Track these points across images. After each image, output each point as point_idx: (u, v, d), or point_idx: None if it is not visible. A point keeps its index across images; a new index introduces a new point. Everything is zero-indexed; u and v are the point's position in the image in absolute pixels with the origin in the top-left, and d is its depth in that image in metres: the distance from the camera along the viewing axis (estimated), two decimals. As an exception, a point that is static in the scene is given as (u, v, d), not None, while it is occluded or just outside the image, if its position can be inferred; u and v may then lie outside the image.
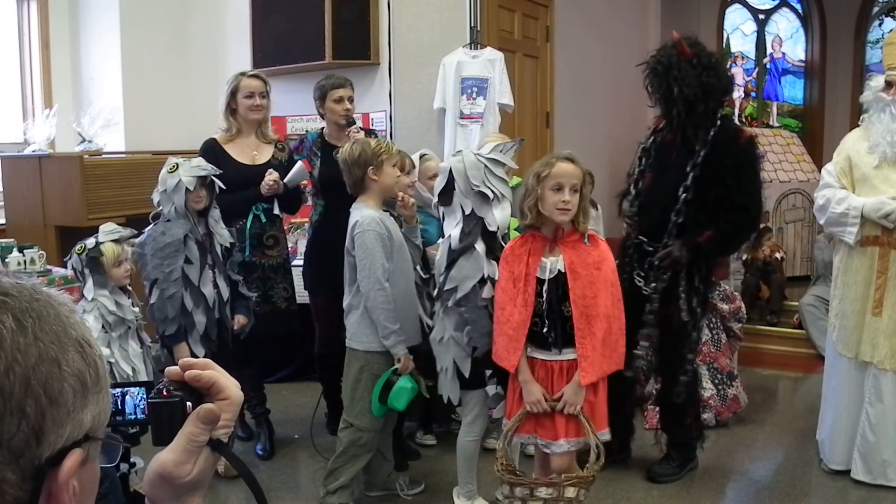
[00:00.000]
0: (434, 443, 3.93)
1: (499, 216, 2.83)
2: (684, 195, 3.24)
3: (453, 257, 2.85)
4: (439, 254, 2.97)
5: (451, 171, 2.85)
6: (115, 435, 0.85)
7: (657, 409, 4.05)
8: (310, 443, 3.78)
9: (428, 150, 3.98)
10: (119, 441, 0.84)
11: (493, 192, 2.81)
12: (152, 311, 3.18)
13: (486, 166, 2.82)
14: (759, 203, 3.33)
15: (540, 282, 2.66)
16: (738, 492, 3.44)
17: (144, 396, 0.96)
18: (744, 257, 5.71)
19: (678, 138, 3.32)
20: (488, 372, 2.89)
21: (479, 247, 2.81)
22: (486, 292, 2.81)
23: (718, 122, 3.28)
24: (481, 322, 2.83)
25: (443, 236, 3.18)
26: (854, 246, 3.37)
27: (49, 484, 0.69)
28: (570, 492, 2.60)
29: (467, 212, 2.83)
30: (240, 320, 3.43)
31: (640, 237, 3.38)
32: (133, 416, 0.96)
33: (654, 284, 3.32)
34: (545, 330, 2.66)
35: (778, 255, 5.96)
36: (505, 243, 2.89)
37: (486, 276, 2.80)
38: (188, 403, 0.89)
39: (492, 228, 2.83)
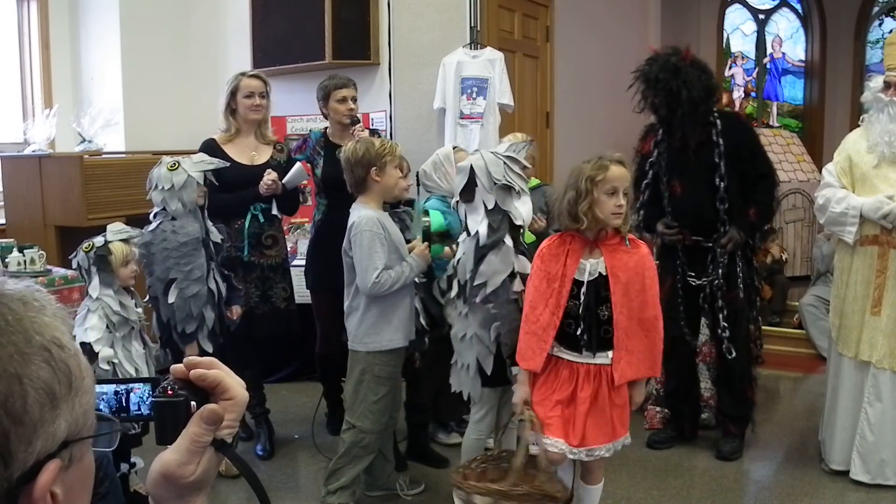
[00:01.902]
0: (460, 441, 3.93)
1: (523, 210, 2.82)
2: (722, 184, 3.54)
3: (483, 252, 2.80)
4: (460, 253, 2.93)
5: (472, 168, 2.83)
6: (109, 417, 0.84)
7: (657, 409, 4.07)
8: (310, 443, 3.79)
9: (458, 144, 4.05)
10: (117, 428, 0.83)
11: (515, 186, 2.80)
12: (170, 311, 3.16)
13: (504, 163, 2.82)
14: (773, 167, 3.74)
15: (577, 283, 2.61)
16: (738, 492, 3.44)
17: (149, 393, 0.95)
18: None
19: (686, 140, 3.55)
20: (514, 369, 2.83)
21: (509, 241, 2.79)
22: (517, 286, 2.78)
23: (717, 114, 3.60)
24: (511, 317, 2.79)
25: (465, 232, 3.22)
26: (853, 245, 3.38)
27: (24, 501, 0.67)
28: None
29: (490, 207, 2.80)
30: (236, 310, 3.44)
31: (695, 237, 3.62)
32: (138, 413, 0.96)
33: (719, 271, 3.59)
34: (579, 332, 2.60)
35: (784, 256, 5.97)
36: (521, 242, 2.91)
37: (515, 270, 2.78)
38: (192, 403, 0.88)
39: (518, 222, 2.81)
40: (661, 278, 3.74)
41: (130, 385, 0.96)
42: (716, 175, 3.55)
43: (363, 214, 3.00)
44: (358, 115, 3.87)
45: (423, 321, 3.23)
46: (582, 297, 2.60)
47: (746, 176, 3.59)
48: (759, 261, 5.79)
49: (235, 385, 0.91)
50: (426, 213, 3.21)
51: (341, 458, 3.10)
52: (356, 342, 3.10)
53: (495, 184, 2.78)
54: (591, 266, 2.61)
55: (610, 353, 2.61)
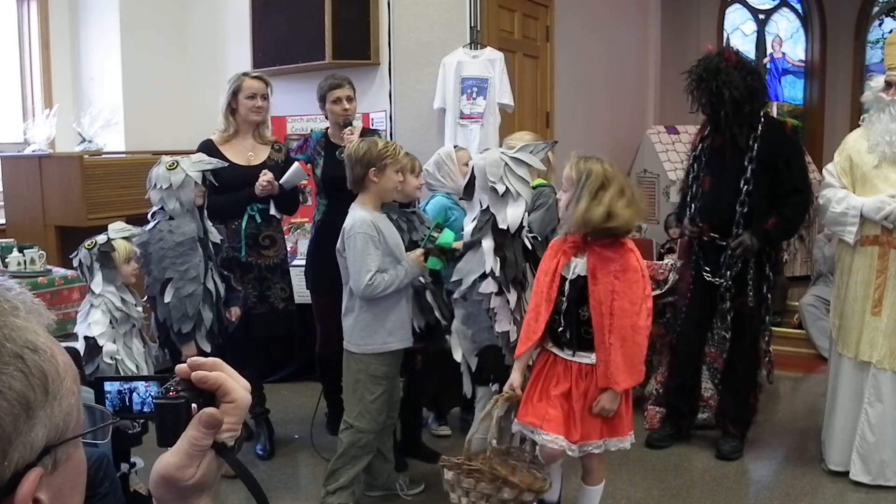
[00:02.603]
0: (449, 433, 3.95)
1: (511, 214, 2.83)
2: (746, 187, 3.56)
3: (463, 251, 2.89)
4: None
5: (473, 167, 2.89)
6: (101, 408, 0.83)
7: (657, 408, 4.07)
8: (310, 443, 3.79)
9: (458, 144, 4.10)
10: (107, 422, 0.82)
11: (508, 189, 2.82)
12: (165, 310, 3.16)
13: (506, 164, 2.83)
14: (809, 185, 3.70)
15: (565, 280, 2.65)
16: (738, 492, 3.44)
17: (155, 391, 0.94)
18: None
19: (728, 139, 3.60)
20: (482, 368, 2.90)
21: (486, 243, 2.82)
22: (485, 287, 2.80)
23: (763, 119, 3.62)
24: (480, 317, 2.84)
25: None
26: (854, 245, 3.38)
27: None
28: (508, 493, 2.56)
29: (483, 207, 2.86)
30: (235, 312, 3.44)
31: (713, 234, 3.66)
32: (140, 410, 0.95)
33: (728, 273, 3.62)
34: (560, 329, 2.66)
35: (783, 257, 5.94)
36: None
37: (487, 271, 2.80)
38: (193, 405, 0.87)
39: (502, 226, 2.82)
40: (683, 273, 3.89)
41: (134, 384, 0.95)
42: (742, 178, 3.57)
43: (358, 216, 3.01)
44: (350, 118, 3.80)
45: (439, 316, 3.24)
46: (566, 294, 2.64)
47: (778, 186, 3.57)
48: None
49: (237, 388, 0.89)
50: (439, 226, 3.21)
51: (339, 459, 3.10)
52: (350, 343, 3.10)
53: (487, 185, 2.83)
54: (575, 265, 2.65)
55: (593, 355, 2.62)
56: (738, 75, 3.52)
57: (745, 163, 3.56)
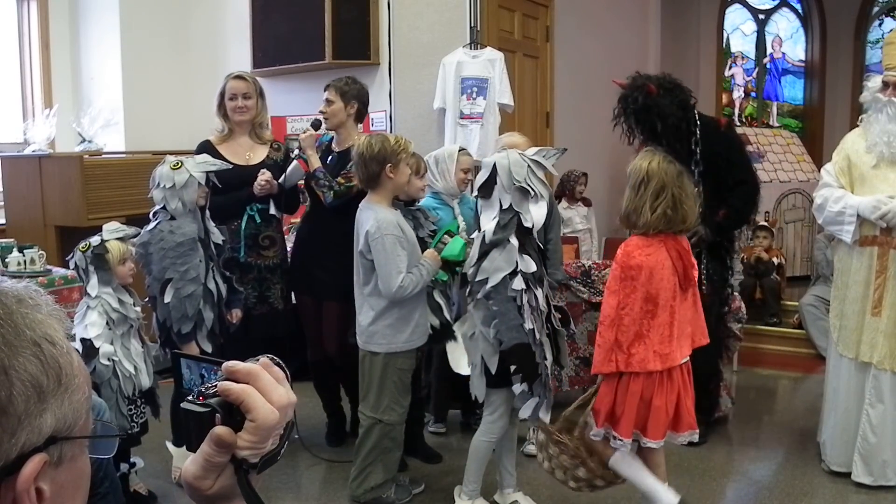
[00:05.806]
0: (444, 430, 3.97)
1: (535, 213, 2.83)
2: (696, 189, 3.59)
3: (485, 249, 2.85)
4: (472, 250, 2.97)
5: (494, 165, 2.87)
6: (108, 424, 0.83)
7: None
8: (310, 443, 3.79)
9: (464, 147, 4.09)
10: (115, 434, 0.82)
11: (533, 190, 2.83)
12: (165, 310, 3.16)
13: (528, 166, 2.84)
14: (753, 173, 3.85)
15: None
16: (738, 492, 3.44)
17: (208, 374, 0.92)
18: (742, 256, 5.70)
19: (677, 154, 3.59)
20: (512, 367, 2.86)
21: (514, 241, 2.82)
22: (517, 284, 2.80)
23: (698, 121, 3.72)
24: (510, 315, 2.80)
25: (461, 225, 3.30)
26: (852, 245, 3.37)
27: (6, 493, 0.67)
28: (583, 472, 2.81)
29: (505, 206, 2.84)
30: (236, 314, 3.45)
31: None
32: (188, 387, 0.95)
33: None
34: None
35: (775, 260, 5.92)
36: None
37: (518, 269, 2.80)
38: (217, 416, 0.84)
39: (527, 224, 2.83)
40: None
41: (181, 371, 0.95)
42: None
43: (381, 217, 3.00)
44: (323, 118, 3.69)
45: (447, 315, 3.25)
46: None
47: (723, 182, 3.69)
48: (750, 258, 5.80)
49: (261, 407, 0.85)
50: (449, 232, 3.21)
51: (370, 455, 3.12)
52: (372, 343, 3.11)
53: (514, 184, 2.81)
54: None
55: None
56: (667, 101, 3.61)
57: (692, 167, 3.65)
